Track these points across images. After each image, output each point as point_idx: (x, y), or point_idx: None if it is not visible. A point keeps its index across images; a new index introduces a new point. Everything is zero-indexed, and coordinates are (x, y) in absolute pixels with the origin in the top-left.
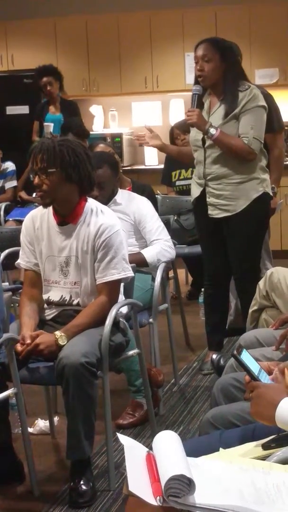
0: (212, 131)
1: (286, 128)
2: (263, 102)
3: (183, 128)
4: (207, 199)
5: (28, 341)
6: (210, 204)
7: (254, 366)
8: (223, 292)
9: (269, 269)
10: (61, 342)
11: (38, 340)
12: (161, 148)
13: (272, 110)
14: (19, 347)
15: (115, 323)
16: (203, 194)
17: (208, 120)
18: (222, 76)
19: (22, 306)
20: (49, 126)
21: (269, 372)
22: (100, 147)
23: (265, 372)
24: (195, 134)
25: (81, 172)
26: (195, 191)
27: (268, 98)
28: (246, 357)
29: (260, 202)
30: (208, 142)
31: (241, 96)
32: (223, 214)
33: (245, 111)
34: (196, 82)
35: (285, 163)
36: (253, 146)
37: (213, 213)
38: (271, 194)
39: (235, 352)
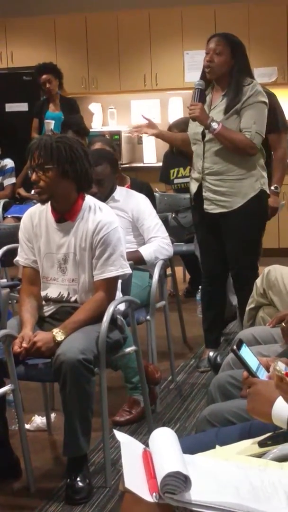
0: (214, 125)
1: None
2: (264, 98)
3: (181, 127)
4: (203, 193)
5: (24, 344)
6: (207, 198)
7: (253, 362)
8: (220, 289)
9: (267, 267)
10: (58, 338)
11: (35, 338)
12: (158, 135)
13: (277, 110)
14: (17, 347)
15: (113, 320)
16: (199, 189)
17: (209, 114)
18: (229, 70)
19: (22, 303)
20: (50, 124)
21: (268, 368)
22: (99, 144)
23: (264, 368)
24: (194, 127)
25: (78, 169)
26: (193, 187)
27: (273, 98)
28: (245, 352)
29: (257, 199)
30: (208, 136)
31: (243, 91)
32: (219, 210)
33: (247, 106)
34: (203, 76)
35: None
36: (255, 141)
37: (209, 208)
38: (268, 192)
39: (234, 347)
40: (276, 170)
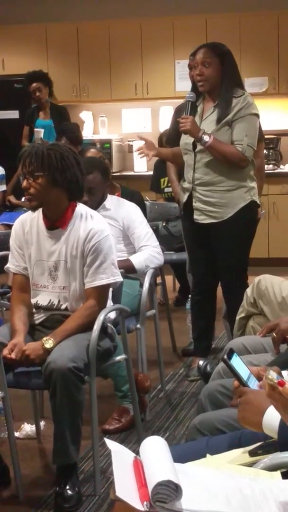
0: (206, 138)
1: (273, 137)
2: (256, 110)
3: None
4: (193, 204)
5: (13, 355)
6: (196, 209)
7: (243, 371)
8: (210, 298)
9: (257, 277)
10: (46, 345)
11: (24, 347)
12: (157, 155)
13: None
14: (7, 351)
15: (103, 328)
16: (189, 199)
17: (201, 125)
18: (220, 81)
19: (14, 311)
20: (40, 132)
21: (259, 378)
22: (91, 152)
23: (254, 377)
24: (186, 138)
25: (69, 177)
26: (183, 196)
27: None
28: (236, 361)
29: (247, 210)
30: (199, 147)
31: (234, 102)
32: (209, 220)
33: (239, 118)
34: (194, 87)
35: (273, 171)
36: (246, 154)
37: (199, 218)
38: (258, 202)
39: (225, 356)
40: (256, 180)
